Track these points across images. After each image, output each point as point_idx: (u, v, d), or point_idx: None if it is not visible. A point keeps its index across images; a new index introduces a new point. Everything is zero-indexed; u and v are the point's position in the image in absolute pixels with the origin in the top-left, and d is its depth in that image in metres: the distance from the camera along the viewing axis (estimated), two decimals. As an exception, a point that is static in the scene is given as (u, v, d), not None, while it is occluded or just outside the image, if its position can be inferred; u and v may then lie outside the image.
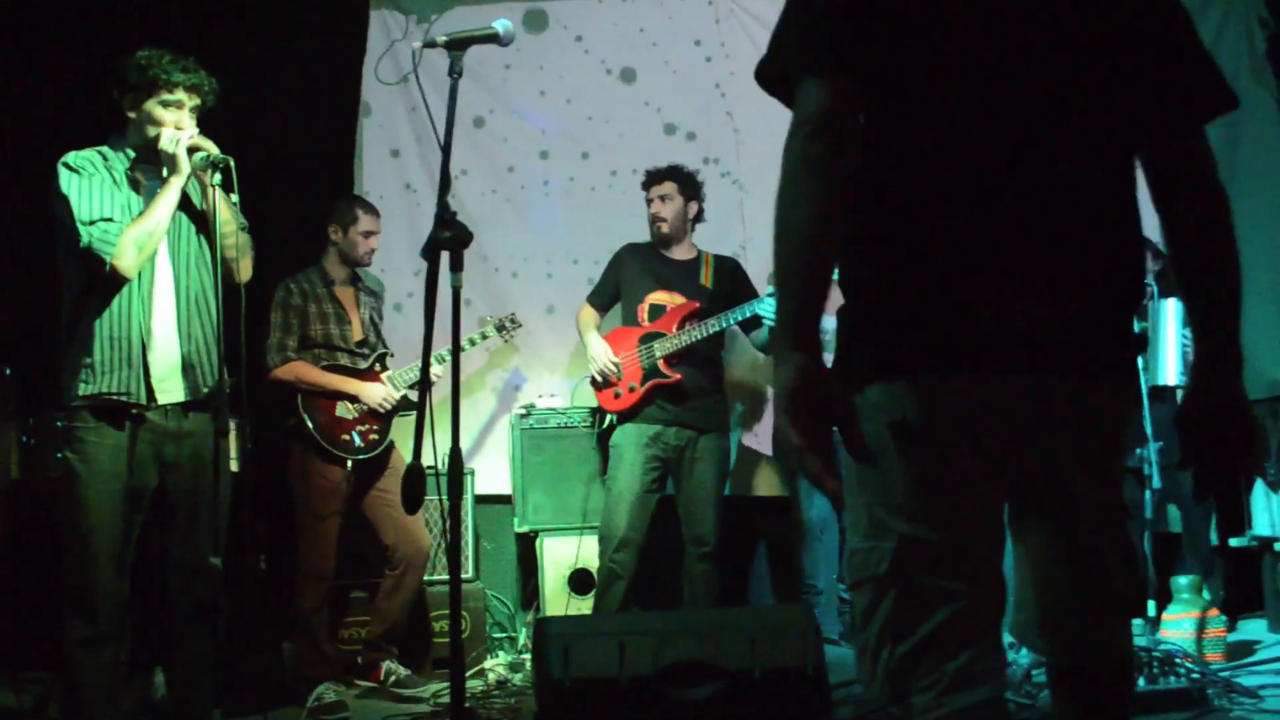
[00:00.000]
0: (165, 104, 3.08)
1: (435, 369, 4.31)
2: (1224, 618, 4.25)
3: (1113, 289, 1.54)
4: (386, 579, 4.18)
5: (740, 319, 4.27)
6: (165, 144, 3.03)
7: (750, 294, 4.41)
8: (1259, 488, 4.61)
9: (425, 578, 4.48)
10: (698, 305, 4.32)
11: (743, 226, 5.06)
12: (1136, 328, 4.47)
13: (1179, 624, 4.20)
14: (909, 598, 1.47)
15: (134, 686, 3.75)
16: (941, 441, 1.48)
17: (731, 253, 4.79)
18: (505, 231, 5.13)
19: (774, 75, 1.55)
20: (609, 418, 4.35)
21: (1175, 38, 1.59)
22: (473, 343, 4.54)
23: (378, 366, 4.27)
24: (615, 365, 4.29)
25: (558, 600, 4.54)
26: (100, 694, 3.02)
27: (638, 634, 3.01)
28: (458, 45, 2.32)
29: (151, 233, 3.02)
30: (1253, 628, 4.71)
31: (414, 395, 4.35)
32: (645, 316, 4.36)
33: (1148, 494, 4.15)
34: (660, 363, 4.26)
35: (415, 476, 2.10)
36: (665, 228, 4.37)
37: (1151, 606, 4.25)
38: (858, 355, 1.55)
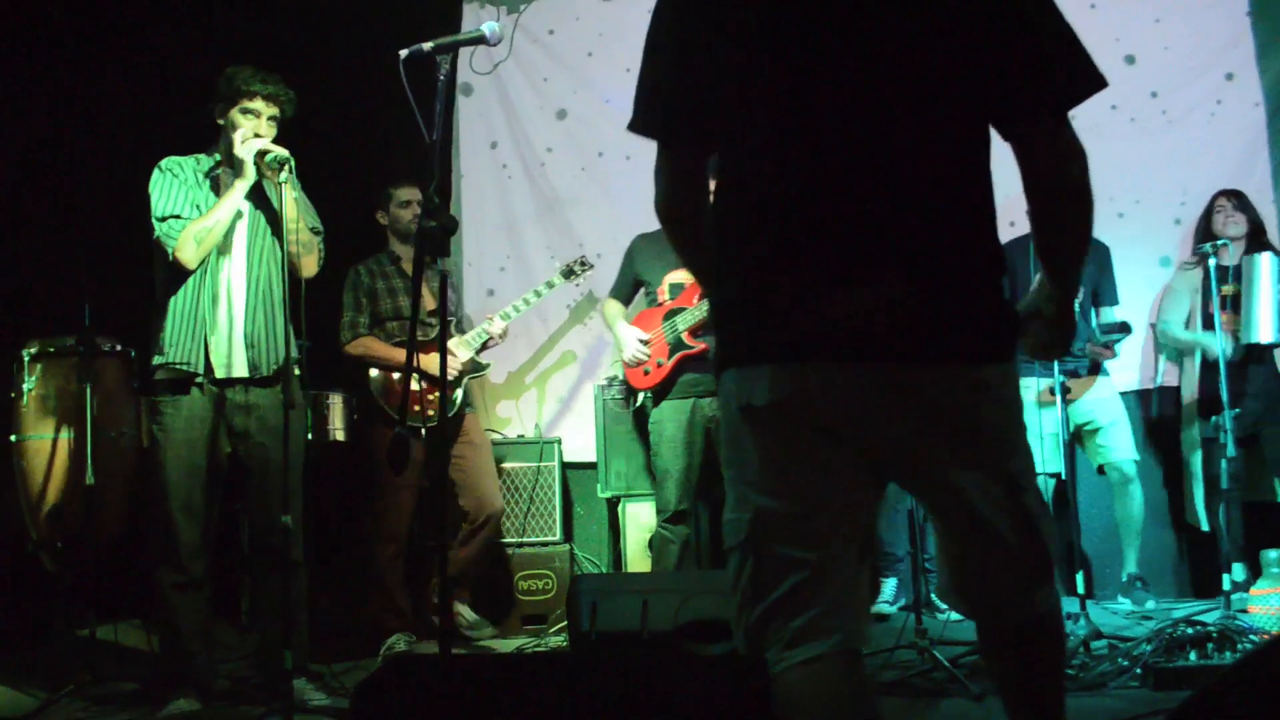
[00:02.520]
0: (245, 112, 3.45)
1: (500, 324, 4.57)
2: (1317, 593, 4.06)
3: (950, 276, 1.57)
4: (462, 530, 4.49)
5: None
6: (237, 149, 3.39)
7: None
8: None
9: (516, 539, 4.79)
10: None
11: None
12: (1110, 315, 4.34)
13: (1266, 599, 4.05)
14: (761, 564, 1.60)
15: (249, 635, 4.18)
16: (784, 423, 1.58)
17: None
18: (590, 210, 5.32)
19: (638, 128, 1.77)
20: (642, 396, 4.46)
21: (1019, 24, 1.57)
22: (538, 295, 4.71)
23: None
24: (644, 348, 4.37)
25: (639, 561, 4.75)
26: (194, 633, 3.42)
27: (662, 592, 3.18)
28: (445, 49, 2.48)
29: (209, 228, 3.38)
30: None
31: (481, 359, 4.62)
32: (666, 294, 4.43)
33: (1224, 463, 4.03)
34: (685, 335, 4.32)
35: (397, 443, 2.31)
36: None
37: (1225, 580, 4.15)
38: (718, 342, 1.70)
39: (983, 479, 1.61)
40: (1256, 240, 4.68)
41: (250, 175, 3.38)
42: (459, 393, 4.49)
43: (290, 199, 3.34)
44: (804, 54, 1.58)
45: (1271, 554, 4.18)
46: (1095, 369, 4.71)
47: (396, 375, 4.41)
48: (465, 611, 4.47)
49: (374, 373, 4.45)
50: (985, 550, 1.66)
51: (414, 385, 4.42)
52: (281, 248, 3.39)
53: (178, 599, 3.39)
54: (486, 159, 5.39)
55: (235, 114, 3.45)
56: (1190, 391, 4.72)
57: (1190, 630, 3.49)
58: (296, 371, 3.49)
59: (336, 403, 4.59)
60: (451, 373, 4.43)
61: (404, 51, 2.45)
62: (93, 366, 3.87)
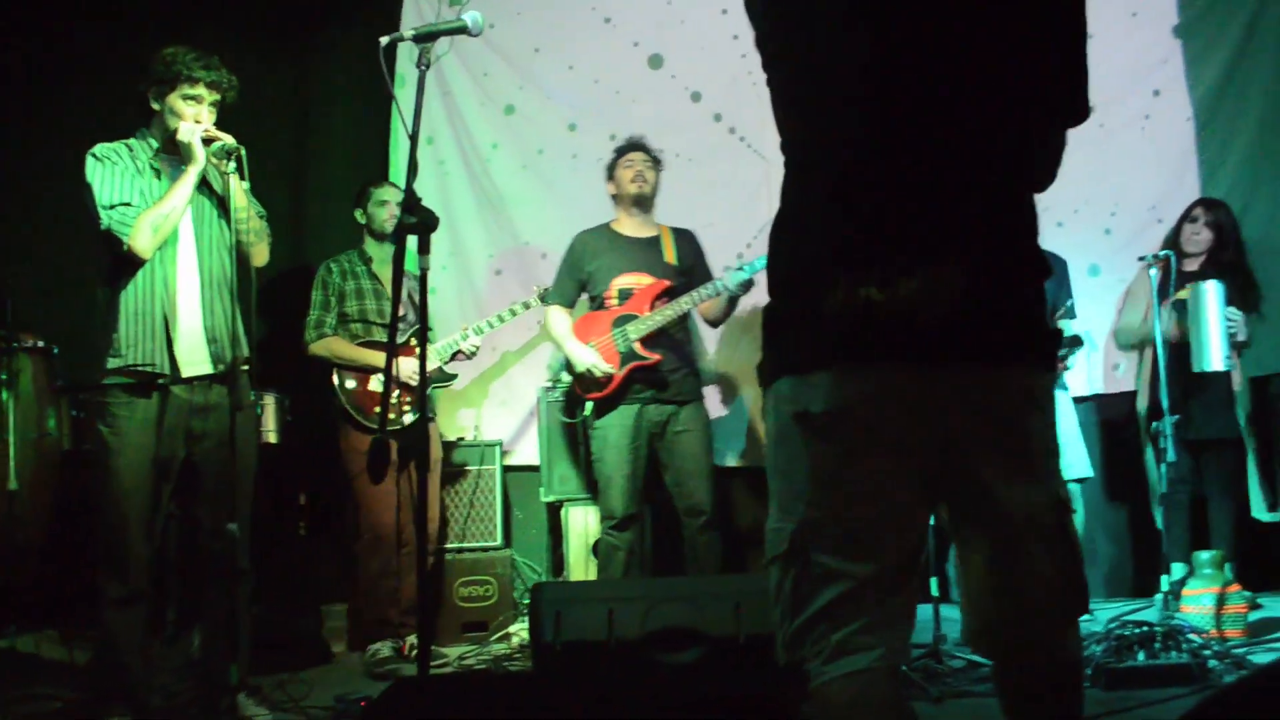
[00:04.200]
0: (186, 98, 3.28)
1: (474, 340, 4.47)
2: (1247, 593, 4.20)
3: (1009, 277, 1.57)
4: (402, 559, 4.30)
5: (712, 295, 4.29)
6: (182, 135, 3.22)
7: (706, 267, 4.48)
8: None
9: (456, 545, 4.68)
10: (669, 284, 4.33)
11: (768, 201, 5.10)
12: (1068, 327, 4.50)
13: (1199, 599, 4.18)
14: (804, 576, 1.56)
15: (177, 646, 4.00)
16: (841, 431, 1.53)
17: (760, 229, 4.83)
18: (536, 208, 5.23)
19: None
20: (589, 405, 4.39)
21: (1074, 39, 1.60)
22: (513, 313, 4.62)
23: (413, 341, 4.36)
24: (605, 366, 4.26)
25: (580, 567, 4.68)
26: (133, 648, 3.25)
27: (627, 600, 3.12)
28: (425, 38, 2.40)
29: (167, 216, 3.21)
30: (1280, 606, 4.65)
31: (450, 368, 4.52)
32: (614, 299, 4.36)
33: (1163, 467, 4.14)
34: (637, 345, 4.25)
35: (378, 449, 2.22)
36: (647, 188, 4.41)
37: (1165, 580, 4.28)
38: (771, 350, 1.65)
39: (1030, 495, 1.56)
40: (1215, 259, 4.80)
41: (200, 160, 3.22)
42: (420, 401, 4.35)
43: (240, 188, 3.20)
44: (882, 48, 1.55)
45: (1204, 555, 4.31)
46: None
47: (375, 380, 4.28)
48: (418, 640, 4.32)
49: (345, 376, 4.29)
50: (1024, 578, 1.58)
51: (381, 388, 4.26)
52: (229, 237, 3.25)
53: (119, 614, 3.21)
54: (424, 154, 5.24)
55: (175, 99, 3.28)
56: (1143, 397, 4.83)
57: (1139, 630, 3.57)
58: (247, 368, 3.36)
59: (269, 404, 4.42)
60: (417, 378, 4.28)
61: (384, 39, 2.36)
62: (11, 365, 3.65)
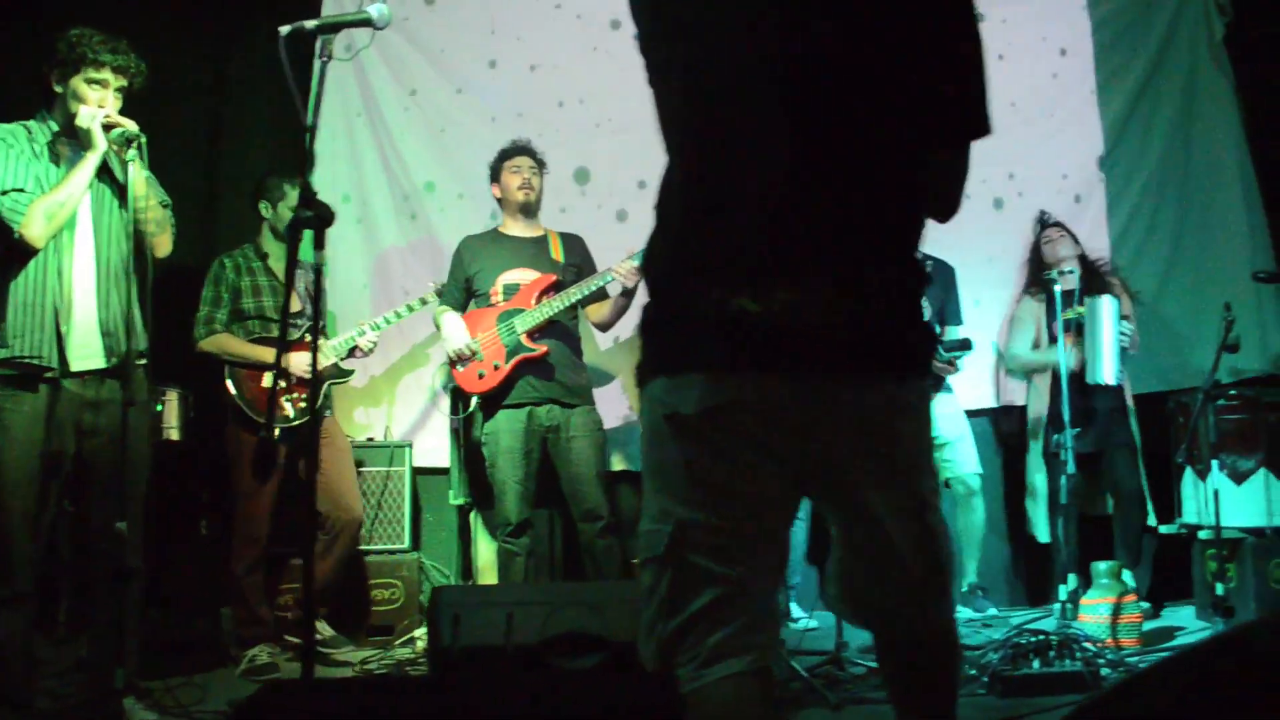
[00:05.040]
0: (90, 81, 3.18)
1: (371, 336, 4.40)
2: (1143, 604, 4.31)
3: (884, 291, 1.59)
4: (319, 542, 4.26)
5: (601, 285, 4.30)
6: (82, 120, 3.12)
7: (594, 266, 4.48)
8: (1187, 476, 4.67)
9: (363, 547, 4.60)
10: (555, 278, 4.33)
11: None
12: (954, 332, 4.61)
13: (1096, 609, 4.27)
14: (680, 578, 1.56)
15: (66, 648, 3.87)
16: (713, 433, 1.55)
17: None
18: (448, 204, 5.17)
19: None
20: (472, 401, 4.35)
21: (969, 58, 1.61)
22: (410, 309, 4.55)
23: (308, 337, 4.30)
24: (472, 348, 4.26)
25: (489, 570, 4.63)
26: (15, 649, 3.13)
27: (527, 605, 3.10)
28: (328, 29, 2.35)
29: (63, 203, 3.10)
30: (1181, 614, 4.78)
31: (347, 364, 4.44)
32: (500, 295, 4.34)
33: (1063, 479, 4.23)
34: (523, 337, 4.24)
35: (263, 448, 2.16)
36: (533, 195, 4.41)
37: (1062, 590, 4.38)
38: (647, 350, 1.65)
39: (895, 497, 1.63)
40: (1086, 265, 4.93)
41: (100, 147, 3.12)
42: (318, 396, 4.28)
43: (140, 176, 3.11)
44: (769, 64, 1.56)
45: (1101, 565, 4.42)
46: (938, 385, 4.86)
47: (268, 376, 4.17)
48: (323, 628, 4.25)
49: (236, 373, 4.19)
50: (885, 566, 1.68)
51: (272, 384, 4.20)
52: (128, 227, 3.15)
53: (2, 615, 3.09)
54: (337, 149, 5.16)
55: (79, 83, 3.17)
56: (1037, 410, 4.93)
57: (1035, 639, 3.64)
58: (143, 363, 3.26)
59: (172, 400, 4.31)
60: (310, 372, 4.22)
61: (285, 28, 2.30)
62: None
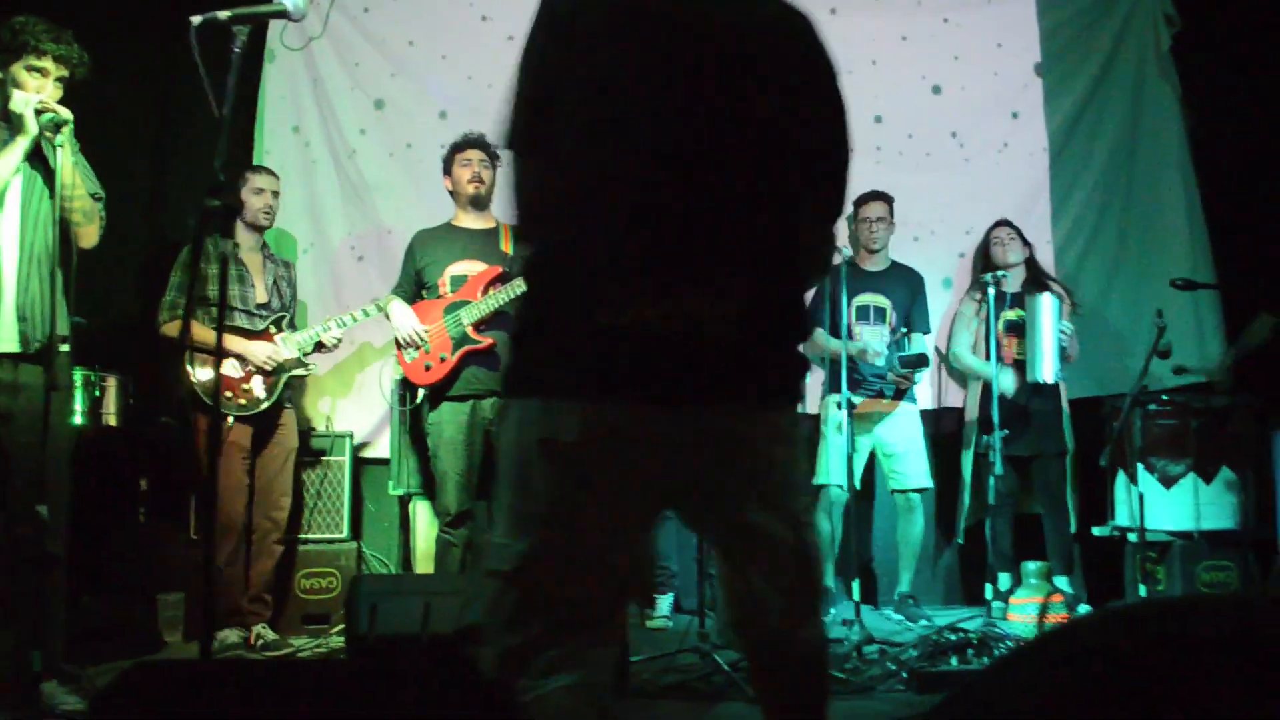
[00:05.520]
0: (31, 69, 3.18)
1: (335, 332, 4.41)
2: (1084, 606, 4.38)
3: (760, 322, 1.64)
4: (252, 546, 4.28)
5: None
6: (14, 105, 3.12)
7: None
8: (1120, 479, 4.73)
9: (301, 536, 4.62)
10: (501, 270, 4.34)
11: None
12: (921, 343, 4.65)
13: (1024, 608, 4.34)
14: (527, 597, 1.59)
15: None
16: (587, 460, 1.57)
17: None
18: (402, 197, 5.17)
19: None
20: (421, 394, 4.37)
21: (835, 116, 1.73)
22: (379, 308, 4.52)
23: (272, 329, 4.34)
24: (420, 334, 4.27)
25: (428, 561, 4.65)
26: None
27: (446, 594, 3.12)
28: (242, 20, 2.36)
29: None
30: (1113, 616, 4.82)
31: (310, 360, 4.45)
32: (447, 287, 4.35)
33: (991, 480, 4.28)
34: (469, 329, 4.25)
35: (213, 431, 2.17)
36: (484, 189, 4.41)
37: (988, 590, 4.44)
38: (522, 363, 1.66)
39: (772, 520, 1.69)
40: (1033, 268, 5.00)
41: (30, 131, 3.11)
42: (277, 386, 4.30)
43: (68, 163, 3.12)
44: (653, 97, 1.60)
45: (1031, 566, 4.49)
46: (900, 394, 4.87)
47: (227, 364, 4.21)
48: (265, 633, 4.26)
49: (197, 360, 4.19)
50: (760, 581, 1.72)
51: (233, 371, 4.23)
52: (55, 214, 3.14)
53: None
54: (290, 140, 5.16)
55: (19, 69, 3.17)
56: (972, 413, 4.98)
57: (953, 637, 3.70)
58: (65, 348, 3.26)
59: (111, 386, 4.30)
60: (271, 363, 4.25)
61: (196, 19, 2.31)
62: None
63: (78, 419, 4.22)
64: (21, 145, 3.14)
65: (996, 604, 4.52)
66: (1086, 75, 5.41)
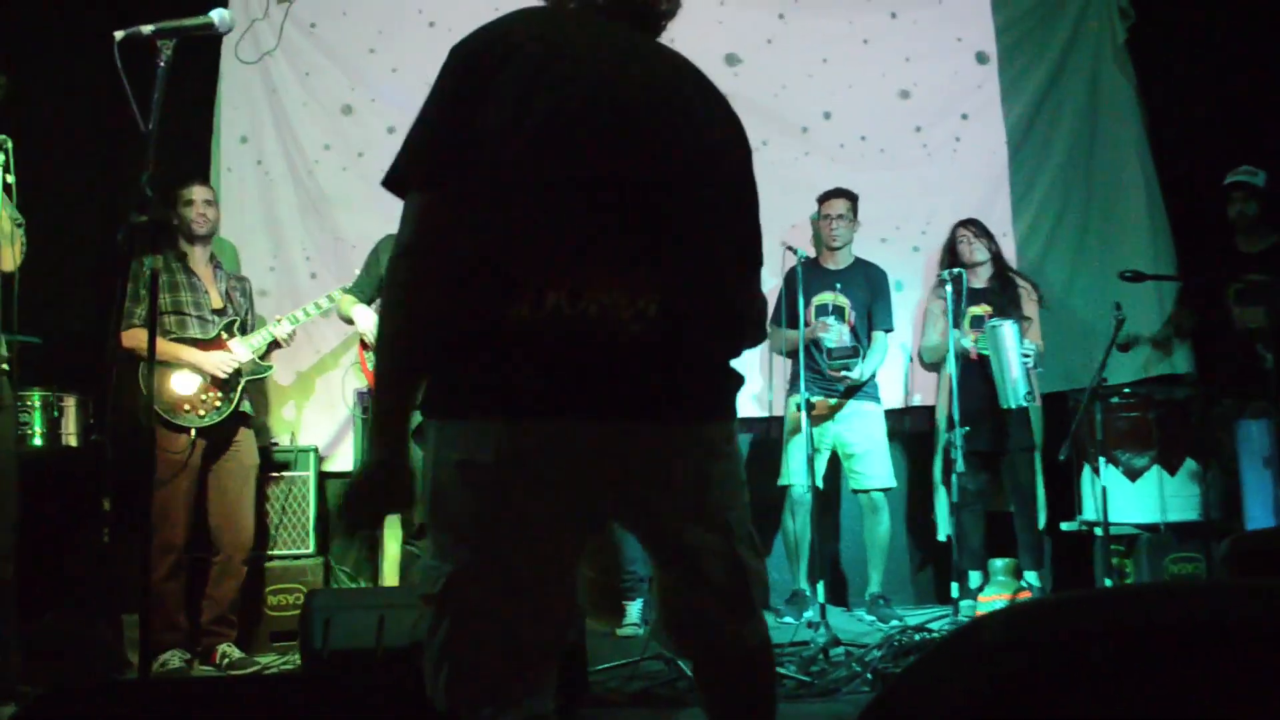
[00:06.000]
0: None
1: (286, 326, 4.37)
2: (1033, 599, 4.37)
3: (687, 336, 1.62)
4: (214, 565, 4.24)
5: None
6: None
7: None
8: (1086, 473, 4.73)
9: (269, 552, 4.59)
10: None
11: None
12: (883, 340, 4.60)
13: (992, 605, 4.34)
14: (459, 621, 1.55)
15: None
16: (507, 481, 1.53)
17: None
18: (357, 211, 5.13)
19: (394, 182, 1.62)
20: None
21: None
22: (331, 300, 4.51)
23: (224, 335, 4.29)
24: None
25: (395, 576, 4.63)
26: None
27: (401, 607, 3.09)
28: (168, 34, 2.34)
29: None
30: (1083, 611, 4.82)
31: (265, 362, 4.41)
32: None
33: (954, 477, 4.28)
34: None
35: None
36: None
37: (955, 588, 4.43)
38: (435, 391, 1.60)
39: (704, 534, 1.67)
40: (999, 263, 4.99)
41: None
42: (235, 393, 4.24)
43: None
44: (577, 122, 1.59)
45: (998, 563, 4.49)
46: (850, 393, 4.85)
47: (181, 376, 4.17)
48: (231, 651, 4.22)
49: (145, 368, 4.15)
50: (696, 591, 1.71)
51: (188, 385, 4.17)
52: None
53: None
54: (246, 155, 5.14)
55: None
56: (943, 411, 4.97)
57: (918, 637, 3.70)
58: (5, 367, 3.24)
59: (70, 405, 4.28)
60: (226, 371, 4.20)
61: (119, 34, 2.29)
62: None
63: (37, 440, 4.21)
64: None
65: (965, 602, 4.51)
66: (1043, 70, 5.43)
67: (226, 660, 4.19)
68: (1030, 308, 4.91)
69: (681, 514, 1.66)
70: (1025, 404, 4.57)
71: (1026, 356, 4.62)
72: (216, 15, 2.43)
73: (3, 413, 3.10)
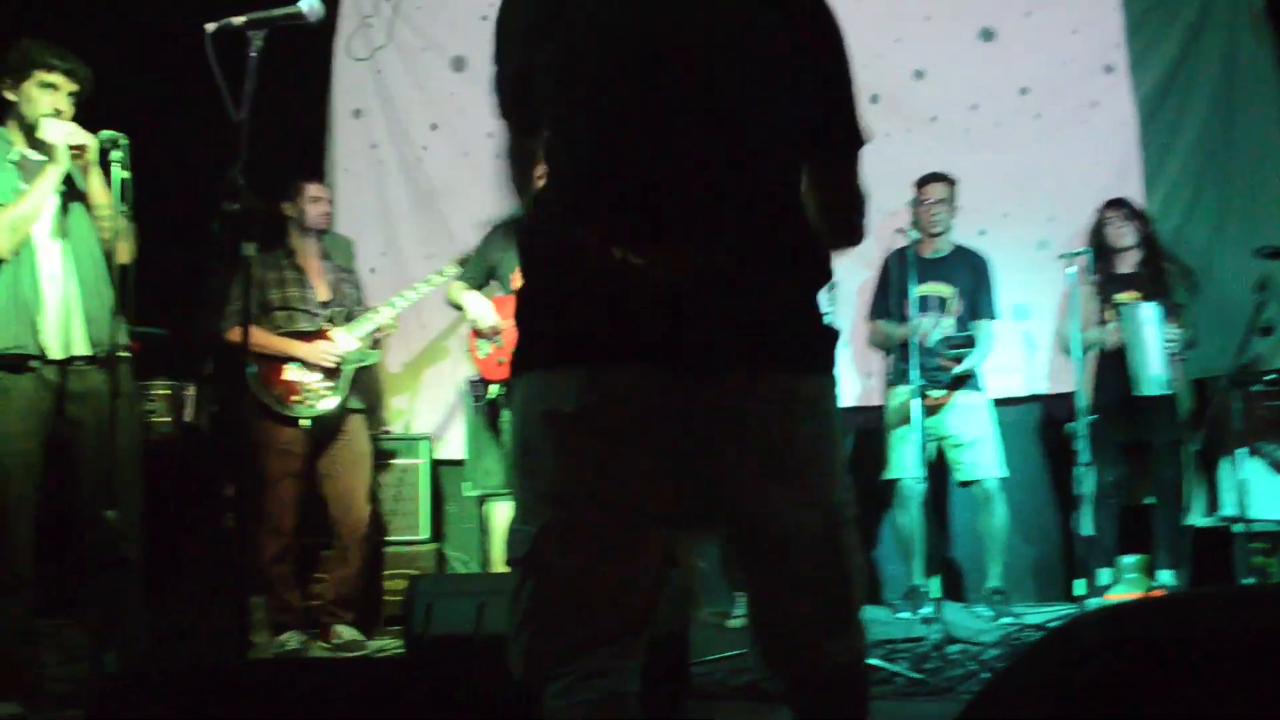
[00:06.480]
0: (43, 85, 3.28)
1: (387, 313, 4.43)
2: (1171, 599, 4.12)
3: (770, 281, 1.54)
4: (334, 549, 4.37)
5: None
6: (46, 134, 3.23)
7: None
8: (1224, 466, 4.45)
9: (384, 538, 4.68)
10: None
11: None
12: (987, 329, 4.36)
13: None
14: (544, 583, 1.50)
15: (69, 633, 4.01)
16: (590, 431, 1.48)
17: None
18: (469, 203, 5.17)
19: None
20: (492, 389, 4.35)
21: (840, 74, 1.64)
22: (429, 284, 4.56)
23: (328, 325, 4.38)
24: (497, 328, 4.25)
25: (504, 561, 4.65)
26: (13, 632, 3.24)
27: (500, 594, 3.09)
28: (257, 25, 2.38)
29: (24, 216, 3.20)
30: (1223, 611, 4.54)
31: (372, 350, 4.49)
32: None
33: (1078, 469, 4.07)
34: None
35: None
36: None
37: (1080, 584, 4.19)
38: (523, 340, 1.59)
39: (796, 505, 1.53)
40: (1151, 246, 4.71)
41: (63, 163, 3.22)
42: (341, 382, 4.33)
43: (99, 185, 3.22)
44: (649, 53, 1.55)
45: (1128, 560, 4.26)
46: (955, 385, 4.65)
47: (290, 368, 4.27)
48: (344, 631, 4.32)
49: (257, 363, 4.28)
50: (783, 586, 1.57)
51: (294, 374, 4.28)
52: (96, 229, 3.28)
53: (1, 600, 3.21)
54: (361, 150, 5.25)
55: (31, 86, 3.28)
56: (1084, 399, 4.72)
57: (1037, 635, 3.52)
58: (127, 355, 3.36)
59: (191, 394, 4.45)
60: (332, 360, 4.29)
61: (210, 26, 2.33)
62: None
63: (162, 427, 4.38)
64: (53, 177, 3.23)
65: (1092, 600, 4.27)
66: (1172, 43, 5.10)
67: (339, 640, 4.28)
68: (1182, 294, 4.62)
69: (761, 476, 1.51)
70: (1163, 392, 4.31)
71: (1171, 342, 4.35)
72: (305, 4, 2.45)
73: (125, 399, 3.20)
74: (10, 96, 3.30)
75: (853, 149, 1.66)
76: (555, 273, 1.55)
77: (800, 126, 1.60)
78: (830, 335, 1.62)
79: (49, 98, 3.26)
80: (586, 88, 1.56)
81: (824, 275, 1.62)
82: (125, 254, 3.39)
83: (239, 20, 2.37)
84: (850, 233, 1.69)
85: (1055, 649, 1.36)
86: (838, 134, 1.65)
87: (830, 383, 1.61)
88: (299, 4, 2.45)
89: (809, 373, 1.57)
